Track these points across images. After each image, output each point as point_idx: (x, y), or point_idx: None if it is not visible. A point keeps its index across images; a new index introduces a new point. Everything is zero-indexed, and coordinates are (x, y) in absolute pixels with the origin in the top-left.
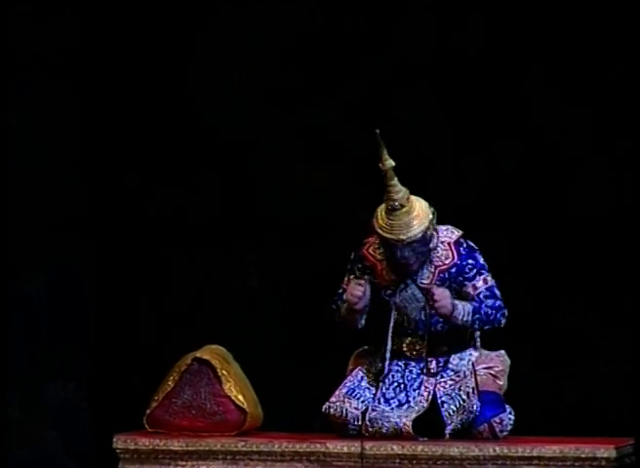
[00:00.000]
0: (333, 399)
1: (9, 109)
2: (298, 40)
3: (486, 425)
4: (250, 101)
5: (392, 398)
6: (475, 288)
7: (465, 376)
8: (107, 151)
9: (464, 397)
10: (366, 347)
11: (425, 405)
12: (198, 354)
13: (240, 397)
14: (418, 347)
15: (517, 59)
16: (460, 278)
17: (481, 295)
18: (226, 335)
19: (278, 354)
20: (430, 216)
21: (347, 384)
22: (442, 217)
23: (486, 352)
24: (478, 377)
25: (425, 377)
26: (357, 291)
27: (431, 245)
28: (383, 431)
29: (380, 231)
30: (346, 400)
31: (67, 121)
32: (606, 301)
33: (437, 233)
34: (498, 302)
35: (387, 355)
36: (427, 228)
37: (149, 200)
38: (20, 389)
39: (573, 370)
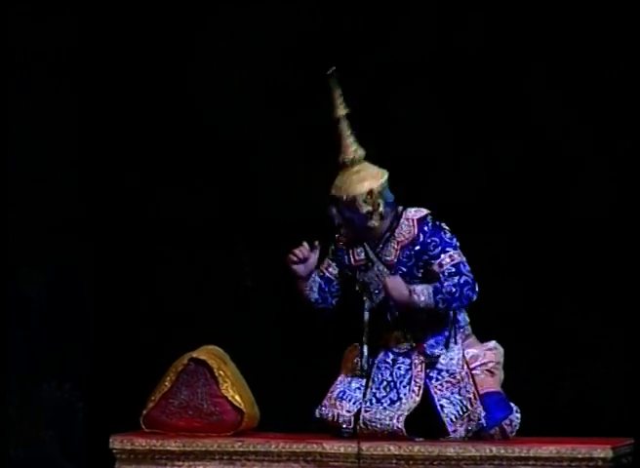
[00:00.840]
0: (325, 402)
1: (9, 109)
2: (297, 40)
3: (497, 428)
4: (250, 101)
5: (383, 397)
6: (440, 265)
7: (462, 379)
8: (107, 151)
9: (467, 404)
10: (356, 344)
11: (417, 400)
12: (195, 354)
13: (237, 397)
14: (403, 341)
15: (517, 59)
16: (426, 256)
17: (445, 273)
18: (224, 336)
19: (275, 354)
20: (380, 184)
21: (338, 387)
22: (442, 217)
23: (477, 345)
24: (476, 378)
25: (415, 372)
26: (295, 250)
27: (385, 223)
28: (378, 432)
29: (332, 190)
30: (338, 403)
31: (67, 121)
32: (605, 301)
33: (403, 213)
34: (463, 278)
35: (364, 354)
36: (371, 193)
37: (149, 200)
38: (16, 389)
39: (571, 371)
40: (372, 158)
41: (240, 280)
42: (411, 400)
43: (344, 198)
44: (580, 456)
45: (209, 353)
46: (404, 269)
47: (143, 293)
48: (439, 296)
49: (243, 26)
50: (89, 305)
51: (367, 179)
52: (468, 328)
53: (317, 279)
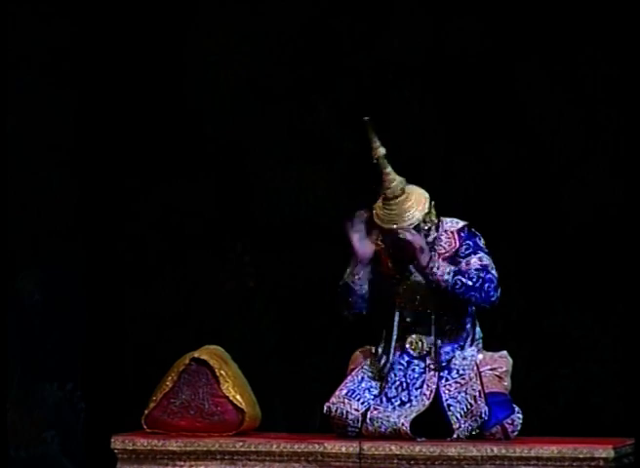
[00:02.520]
0: (333, 399)
1: (4, 110)
2: (291, 42)
3: (499, 427)
4: (246, 103)
5: (394, 397)
6: (468, 263)
7: (471, 379)
8: (103, 152)
9: (471, 401)
10: (367, 347)
11: (427, 403)
12: (196, 354)
13: (238, 397)
14: (421, 344)
15: (510, 61)
16: (456, 257)
17: (472, 267)
18: (224, 336)
19: (276, 354)
20: (427, 207)
21: (348, 385)
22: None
23: (489, 353)
24: (484, 378)
25: (428, 376)
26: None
27: (430, 237)
28: (382, 430)
29: (377, 221)
30: (346, 401)
31: (62, 122)
32: (600, 303)
33: (440, 224)
34: (488, 275)
35: (391, 352)
36: (423, 219)
37: (145, 201)
38: (17, 390)
39: (570, 371)
40: (368, 159)
41: (241, 280)
42: (421, 403)
43: (390, 230)
44: (581, 456)
45: (210, 353)
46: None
47: (142, 294)
48: (459, 277)
49: (238, 28)
50: (89, 306)
51: (411, 210)
52: (481, 341)
53: (366, 287)
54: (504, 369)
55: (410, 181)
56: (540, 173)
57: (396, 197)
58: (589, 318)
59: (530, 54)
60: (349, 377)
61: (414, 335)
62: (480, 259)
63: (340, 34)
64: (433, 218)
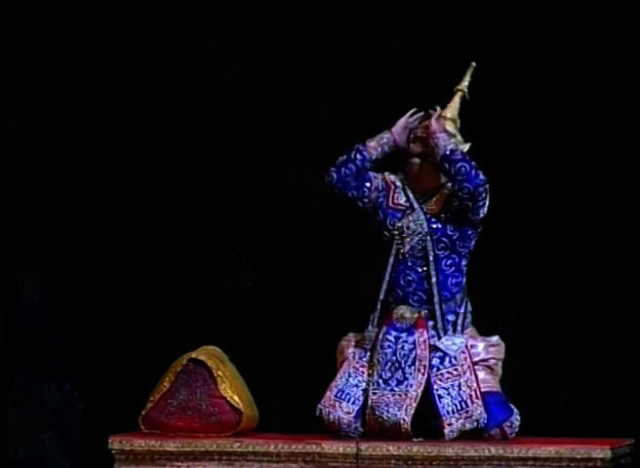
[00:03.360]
0: (324, 402)
1: (4, 110)
2: (291, 42)
3: (497, 429)
4: (246, 103)
5: (390, 378)
6: None
7: (465, 372)
8: (102, 152)
9: (467, 401)
10: (351, 334)
11: (423, 381)
12: (194, 355)
13: (236, 397)
14: (408, 316)
15: (510, 61)
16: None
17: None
18: (224, 336)
19: (274, 355)
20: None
21: (337, 384)
22: None
23: (480, 338)
24: (478, 373)
25: (419, 350)
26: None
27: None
28: (384, 418)
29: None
30: (337, 404)
31: (62, 122)
32: (600, 303)
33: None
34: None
35: (379, 305)
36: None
37: (144, 201)
38: (15, 390)
39: (569, 371)
40: None
41: (240, 281)
42: (417, 380)
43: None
44: (578, 457)
45: (208, 353)
46: (444, 218)
47: (141, 295)
48: (458, 154)
49: (237, 28)
50: (88, 307)
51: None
52: (470, 316)
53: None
54: (496, 358)
55: None
56: (540, 173)
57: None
58: (589, 318)
59: (530, 54)
60: (338, 375)
61: (401, 306)
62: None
63: (339, 34)
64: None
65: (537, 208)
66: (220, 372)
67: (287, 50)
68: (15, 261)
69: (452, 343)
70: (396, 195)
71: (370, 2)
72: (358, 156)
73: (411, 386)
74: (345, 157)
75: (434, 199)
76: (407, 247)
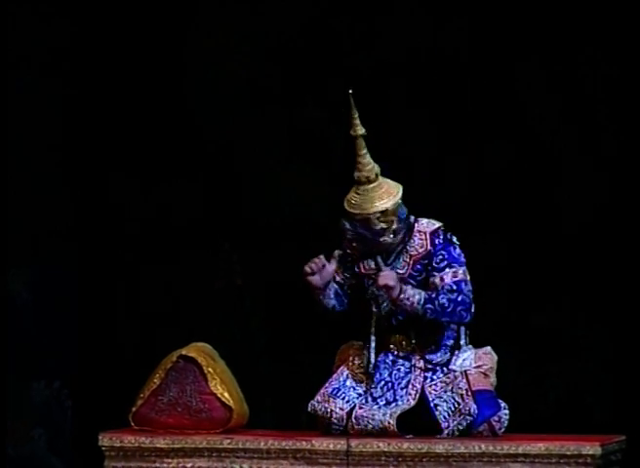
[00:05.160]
0: (318, 398)
1: (4, 110)
2: (291, 42)
3: (486, 425)
4: (235, 102)
5: (380, 396)
6: (442, 279)
7: (456, 377)
8: (92, 152)
9: (459, 399)
10: (353, 342)
11: (412, 403)
12: (184, 351)
13: (226, 394)
14: (404, 344)
15: (510, 61)
16: (430, 267)
17: (445, 287)
18: (212, 333)
19: (264, 352)
20: (399, 198)
21: (333, 383)
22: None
23: (473, 350)
24: (470, 377)
25: (413, 376)
26: (310, 263)
27: (399, 236)
28: (369, 429)
29: (345, 205)
30: (331, 400)
31: (52, 121)
32: (592, 301)
33: (415, 223)
34: (461, 297)
35: (372, 353)
36: (393, 211)
37: (134, 200)
38: (4, 388)
39: (559, 369)
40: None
41: (229, 279)
42: (406, 402)
43: (358, 216)
44: (568, 453)
45: (198, 350)
46: (414, 283)
47: (130, 293)
48: (428, 306)
49: (238, 26)
50: (77, 305)
51: (382, 198)
52: (466, 338)
53: (334, 285)
54: (489, 365)
55: (411, 181)
56: (540, 173)
57: (369, 182)
58: (579, 317)
59: (530, 54)
60: (334, 375)
61: (398, 335)
62: (455, 274)
63: (339, 34)
64: (394, 220)
65: (537, 208)
66: (210, 369)
67: (287, 50)
68: (5, 259)
69: (462, 360)
70: (366, 261)
71: (370, 2)
72: (322, 301)
73: (398, 406)
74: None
75: (401, 260)
76: (384, 310)
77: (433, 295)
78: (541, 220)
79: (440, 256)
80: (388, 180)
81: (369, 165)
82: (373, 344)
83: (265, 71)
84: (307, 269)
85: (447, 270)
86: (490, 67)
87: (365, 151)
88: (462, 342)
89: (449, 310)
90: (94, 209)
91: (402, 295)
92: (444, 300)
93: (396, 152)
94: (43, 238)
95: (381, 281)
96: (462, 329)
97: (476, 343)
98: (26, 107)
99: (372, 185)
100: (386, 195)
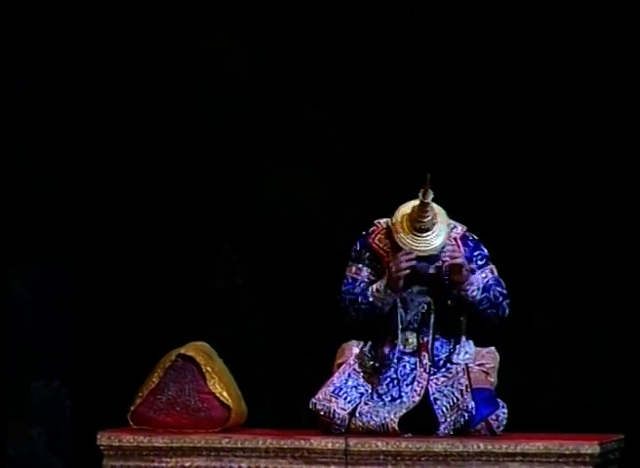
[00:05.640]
0: (319, 396)
1: (4, 110)
2: (291, 42)
3: (483, 423)
4: (235, 102)
5: (385, 393)
6: (486, 277)
7: (458, 373)
8: (92, 151)
9: (458, 395)
10: (353, 341)
11: (417, 400)
12: (182, 350)
13: (224, 393)
14: (411, 341)
15: (510, 61)
16: (474, 266)
17: (494, 282)
18: (212, 333)
19: (264, 351)
20: (449, 232)
21: (334, 382)
22: None
23: (477, 348)
24: (471, 374)
25: (419, 372)
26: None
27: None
28: (371, 425)
29: (400, 242)
30: (333, 399)
31: (52, 121)
32: (591, 300)
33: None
34: (505, 291)
35: (399, 348)
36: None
37: (134, 200)
38: (4, 387)
39: (558, 368)
40: (359, 158)
41: (229, 278)
42: (411, 399)
43: (426, 252)
44: (567, 452)
45: (196, 349)
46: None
47: (130, 293)
48: (485, 294)
49: (238, 26)
50: (76, 304)
51: (441, 231)
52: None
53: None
54: (491, 365)
55: (411, 180)
56: (540, 173)
57: (427, 230)
58: (579, 316)
59: (530, 54)
60: (336, 374)
61: (405, 332)
62: (492, 271)
63: (339, 34)
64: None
65: (536, 207)
66: (208, 368)
67: (287, 50)
68: (5, 259)
69: (464, 353)
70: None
71: (370, 2)
72: (377, 308)
73: (403, 403)
74: (359, 310)
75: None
76: (410, 314)
77: (489, 283)
78: (541, 220)
79: (479, 256)
80: (440, 215)
81: (429, 217)
82: (400, 339)
83: (265, 71)
84: (406, 265)
85: (486, 267)
86: (490, 67)
87: (429, 212)
88: (463, 336)
89: (498, 301)
90: (94, 209)
91: (469, 281)
92: (497, 292)
93: (396, 152)
94: (43, 238)
95: (458, 260)
96: (463, 321)
97: (476, 343)
98: (26, 107)
99: (429, 233)
100: (441, 235)
